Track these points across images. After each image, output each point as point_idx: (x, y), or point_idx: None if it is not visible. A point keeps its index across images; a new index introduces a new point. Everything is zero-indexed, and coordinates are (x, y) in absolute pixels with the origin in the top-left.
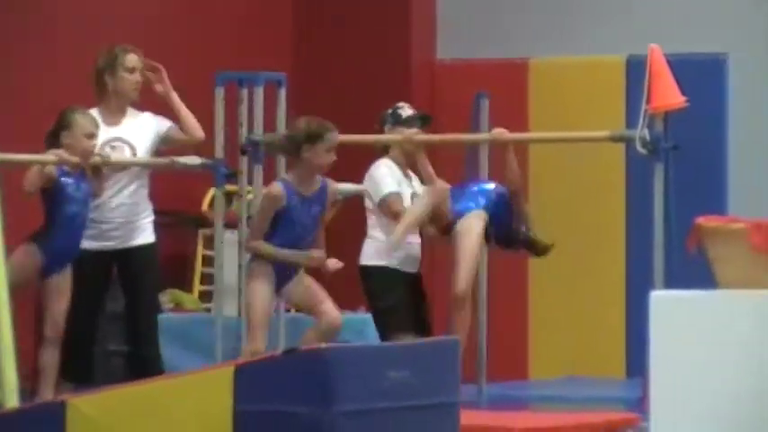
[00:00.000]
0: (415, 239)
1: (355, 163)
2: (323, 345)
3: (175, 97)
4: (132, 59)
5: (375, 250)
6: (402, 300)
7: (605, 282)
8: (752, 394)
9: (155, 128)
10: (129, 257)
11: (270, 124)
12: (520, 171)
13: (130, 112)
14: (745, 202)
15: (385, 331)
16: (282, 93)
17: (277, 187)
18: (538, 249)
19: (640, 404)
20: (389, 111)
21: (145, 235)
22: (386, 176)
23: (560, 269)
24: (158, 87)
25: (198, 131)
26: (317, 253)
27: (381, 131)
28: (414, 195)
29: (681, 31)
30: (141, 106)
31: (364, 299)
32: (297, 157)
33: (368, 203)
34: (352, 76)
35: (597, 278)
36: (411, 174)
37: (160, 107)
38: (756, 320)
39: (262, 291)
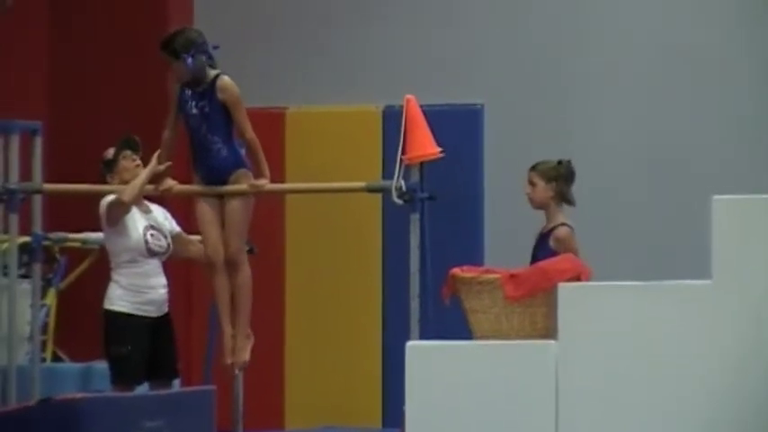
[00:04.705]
0: (160, 283)
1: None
2: (78, 395)
3: None
4: None
5: (113, 295)
6: (134, 346)
7: (362, 331)
8: None
9: None
10: None
11: (26, 173)
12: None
13: None
14: (501, 252)
15: (113, 376)
16: (38, 141)
17: None
18: None
19: None
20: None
21: None
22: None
23: (317, 318)
24: None
25: None
26: None
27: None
28: (151, 227)
29: (438, 82)
30: None
31: None
32: None
33: (110, 248)
34: (109, 125)
35: (354, 328)
36: (149, 204)
37: None
38: (510, 371)
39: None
